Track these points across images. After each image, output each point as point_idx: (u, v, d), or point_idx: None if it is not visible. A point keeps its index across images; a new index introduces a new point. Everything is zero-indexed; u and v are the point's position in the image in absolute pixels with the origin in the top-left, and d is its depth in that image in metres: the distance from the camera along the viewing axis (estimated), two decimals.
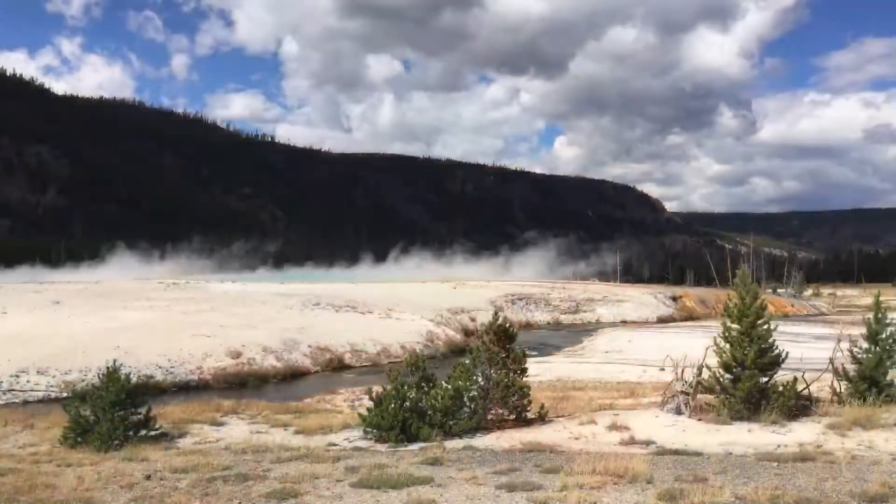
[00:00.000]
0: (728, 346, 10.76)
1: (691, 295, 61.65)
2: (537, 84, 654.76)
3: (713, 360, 11.01)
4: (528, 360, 11.78)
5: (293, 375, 23.78)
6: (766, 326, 10.68)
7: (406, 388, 10.56)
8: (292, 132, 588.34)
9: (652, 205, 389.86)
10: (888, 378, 11.17)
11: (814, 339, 29.88)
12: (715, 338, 10.96)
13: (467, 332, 34.70)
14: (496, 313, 12.16)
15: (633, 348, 30.87)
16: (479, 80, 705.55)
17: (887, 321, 11.38)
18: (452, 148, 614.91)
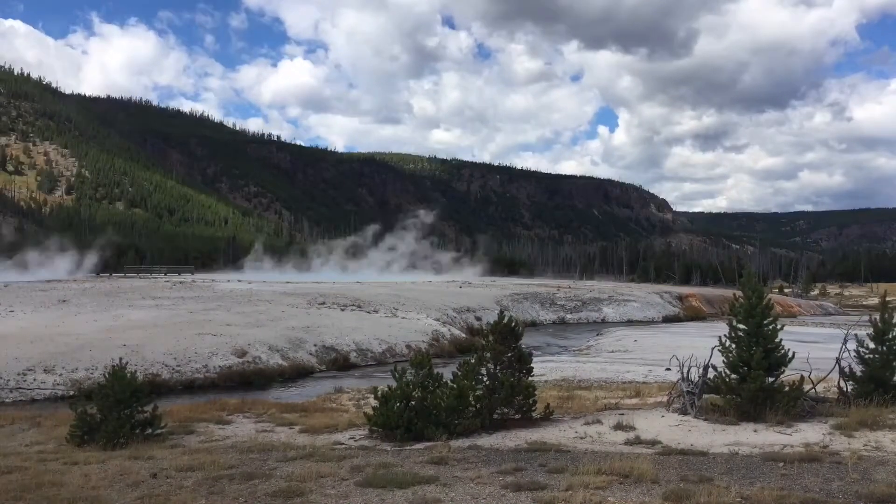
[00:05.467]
0: (734, 346, 10.72)
1: (697, 295, 61.53)
2: (651, 66, 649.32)
3: (719, 360, 10.99)
4: (534, 359, 11.77)
5: (299, 374, 23.81)
6: (772, 326, 10.64)
7: (411, 387, 10.56)
8: (344, 122, 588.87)
9: (658, 204, 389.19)
10: (895, 379, 11.13)
11: (820, 339, 29.79)
12: (721, 337, 10.93)
13: (473, 332, 34.70)
14: (501, 312, 12.16)
15: (639, 348, 30.82)
16: (560, 57, 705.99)
17: (894, 321, 11.32)
18: (508, 136, 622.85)
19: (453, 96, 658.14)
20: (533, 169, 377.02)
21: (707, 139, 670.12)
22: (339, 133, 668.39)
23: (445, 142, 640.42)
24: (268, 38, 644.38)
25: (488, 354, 11.21)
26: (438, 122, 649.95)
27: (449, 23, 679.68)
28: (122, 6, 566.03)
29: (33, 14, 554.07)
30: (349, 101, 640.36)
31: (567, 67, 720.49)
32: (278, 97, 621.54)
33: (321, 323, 29.84)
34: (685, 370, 11.55)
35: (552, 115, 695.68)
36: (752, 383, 10.22)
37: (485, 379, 11.06)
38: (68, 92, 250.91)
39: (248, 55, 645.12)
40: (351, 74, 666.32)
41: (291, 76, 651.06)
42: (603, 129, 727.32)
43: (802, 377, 10.87)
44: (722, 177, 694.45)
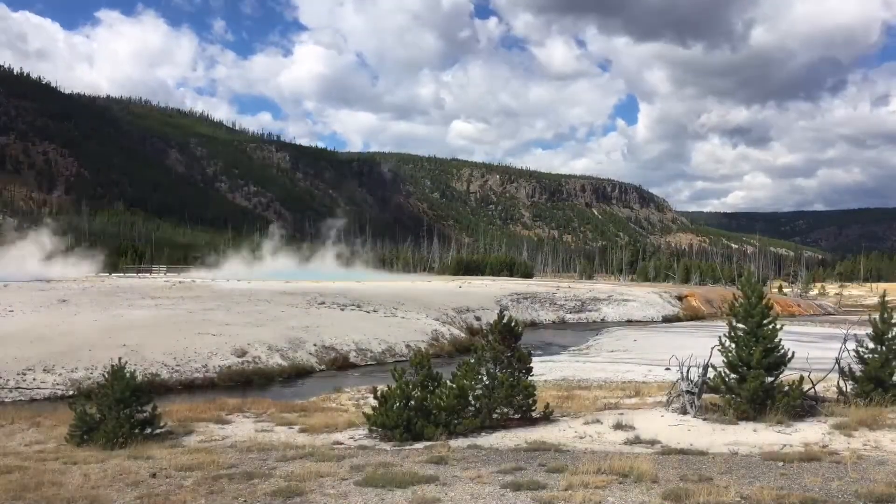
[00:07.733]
0: (733, 345, 10.73)
1: (697, 294, 61.50)
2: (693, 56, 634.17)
3: (718, 360, 10.99)
4: (533, 359, 11.77)
5: (298, 374, 23.80)
6: (771, 326, 10.65)
7: (411, 386, 10.56)
8: (360, 117, 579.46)
9: (658, 204, 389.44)
10: (894, 378, 11.14)
11: (820, 339, 29.80)
12: (720, 337, 10.94)
13: (473, 331, 34.69)
14: (501, 312, 12.15)
15: (639, 348, 30.81)
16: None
17: (893, 321, 11.33)
18: (529, 130, 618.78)
19: (476, 90, 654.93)
20: (533, 168, 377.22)
21: (732, 134, 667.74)
22: (354, 128, 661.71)
23: (467, 136, 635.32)
24: (280, 26, 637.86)
25: (488, 354, 11.21)
26: (459, 115, 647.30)
27: (483, 12, 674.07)
28: None
29: (40, 5, 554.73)
30: (367, 95, 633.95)
31: (597, 60, 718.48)
32: (289, 91, 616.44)
33: (321, 322, 29.83)
34: (685, 370, 11.54)
35: (573, 109, 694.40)
36: (752, 383, 10.23)
37: (484, 379, 11.06)
38: (68, 91, 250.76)
39: (261, 44, 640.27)
40: (373, 66, 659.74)
41: (305, 68, 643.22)
42: (622, 123, 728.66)
43: (802, 377, 10.88)
44: (739, 174, 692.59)
